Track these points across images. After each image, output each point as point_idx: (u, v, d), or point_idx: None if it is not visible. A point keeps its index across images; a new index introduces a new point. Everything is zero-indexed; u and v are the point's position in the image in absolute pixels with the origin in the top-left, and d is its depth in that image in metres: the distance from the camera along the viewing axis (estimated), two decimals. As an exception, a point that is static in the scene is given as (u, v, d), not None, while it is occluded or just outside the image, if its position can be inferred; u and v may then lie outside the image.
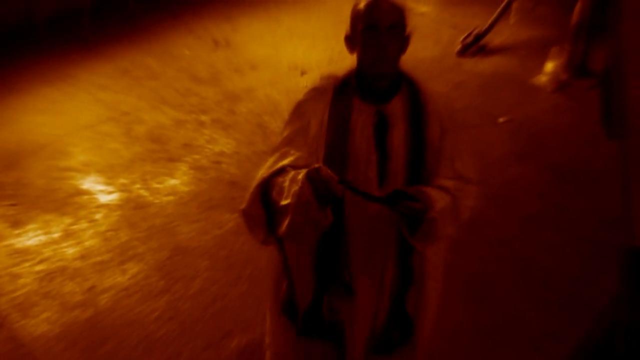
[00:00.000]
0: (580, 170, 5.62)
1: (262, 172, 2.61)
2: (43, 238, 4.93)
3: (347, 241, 2.69)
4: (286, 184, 2.45)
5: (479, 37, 7.44)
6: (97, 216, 5.16)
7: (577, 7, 6.78)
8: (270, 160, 2.66)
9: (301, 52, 7.37)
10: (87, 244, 4.90)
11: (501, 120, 6.31)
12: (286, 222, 2.46)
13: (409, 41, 2.67)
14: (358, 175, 2.63)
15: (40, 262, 4.73)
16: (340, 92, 2.69)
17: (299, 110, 2.75)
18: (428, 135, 2.68)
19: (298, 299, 2.86)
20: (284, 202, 2.44)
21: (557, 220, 5.12)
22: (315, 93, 2.75)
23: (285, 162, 2.59)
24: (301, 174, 2.40)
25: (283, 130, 2.77)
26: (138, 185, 5.47)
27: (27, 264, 4.71)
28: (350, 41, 2.68)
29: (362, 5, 2.60)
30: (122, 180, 5.51)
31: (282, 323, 3.00)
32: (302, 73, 6.96)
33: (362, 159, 2.64)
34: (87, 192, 5.38)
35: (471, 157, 2.84)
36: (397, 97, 2.67)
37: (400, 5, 2.62)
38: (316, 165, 2.39)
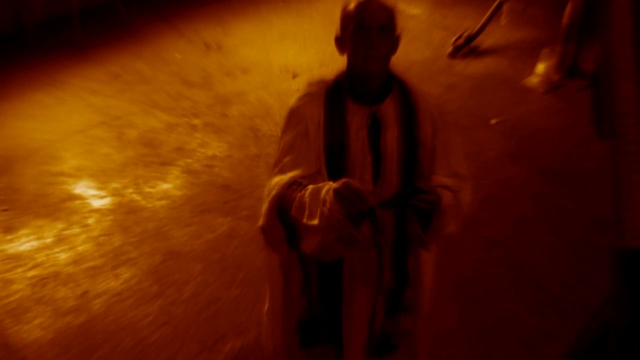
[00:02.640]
0: (572, 171, 5.63)
1: (272, 187, 2.52)
2: (35, 243, 4.92)
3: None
4: (306, 199, 2.36)
5: (471, 38, 7.46)
6: (90, 221, 5.15)
7: (568, 8, 6.79)
8: (276, 173, 2.60)
9: (292, 55, 7.37)
10: (79, 249, 4.89)
11: (493, 121, 6.32)
12: (316, 242, 2.36)
13: (399, 42, 2.67)
14: (354, 178, 2.62)
15: (33, 267, 4.72)
16: (333, 95, 2.68)
17: (294, 117, 2.70)
18: (420, 134, 2.69)
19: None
20: (309, 222, 2.33)
21: (550, 221, 5.12)
22: (307, 98, 2.72)
23: (293, 173, 2.53)
24: (324, 190, 2.30)
25: (280, 139, 2.71)
26: (130, 190, 5.46)
27: (19, 270, 4.70)
28: (341, 42, 2.68)
29: (352, 6, 2.60)
30: (114, 185, 5.51)
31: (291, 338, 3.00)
32: (294, 76, 6.96)
33: (358, 161, 2.64)
34: (79, 197, 5.38)
35: (463, 153, 2.84)
36: (389, 98, 2.68)
37: (390, 5, 2.62)
38: (343, 180, 2.26)
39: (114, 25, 7.73)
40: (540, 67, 6.97)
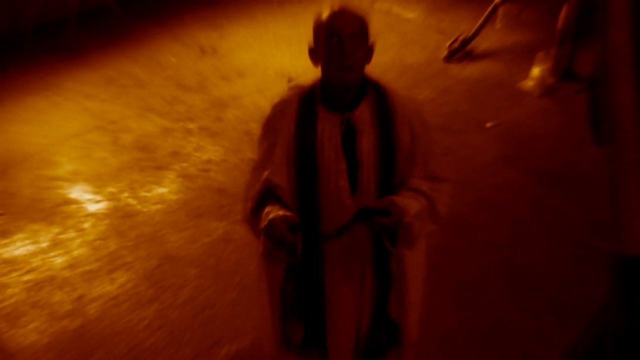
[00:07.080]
0: (568, 174, 5.63)
1: (248, 195, 2.71)
2: (31, 248, 4.91)
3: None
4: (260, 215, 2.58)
5: (466, 42, 7.46)
6: (85, 225, 5.14)
7: (563, 12, 6.81)
8: (250, 179, 2.76)
9: (288, 58, 7.37)
10: (75, 253, 4.88)
11: (489, 125, 6.32)
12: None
13: (373, 51, 2.66)
14: (329, 185, 2.64)
15: (29, 271, 4.71)
16: (305, 102, 2.69)
17: (267, 128, 2.81)
18: (398, 140, 2.67)
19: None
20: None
21: (547, 224, 5.12)
22: (280, 107, 2.78)
23: (266, 182, 2.67)
24: (264, 214, 2.53)
25: (258, 149, 2.83)
26: (126, 194, 5.45)
27: (15, 274, 4.69)
28: (314, 53, 2.66)
29: (324, 16, 2.59)
30: (110, 189, 5.50)
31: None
32: (289, 80, 6.95)
33: (332, 168, 2.64)
34: (74, 202, 5.37)
35: (442, 156, 2.86)
36: (364, 104, 2.66)
37: (362, 14, 2.61)
38: (271, 216, 2.47)
39: (109, 30, 7.73)
40: (536, 71, 6.98)
